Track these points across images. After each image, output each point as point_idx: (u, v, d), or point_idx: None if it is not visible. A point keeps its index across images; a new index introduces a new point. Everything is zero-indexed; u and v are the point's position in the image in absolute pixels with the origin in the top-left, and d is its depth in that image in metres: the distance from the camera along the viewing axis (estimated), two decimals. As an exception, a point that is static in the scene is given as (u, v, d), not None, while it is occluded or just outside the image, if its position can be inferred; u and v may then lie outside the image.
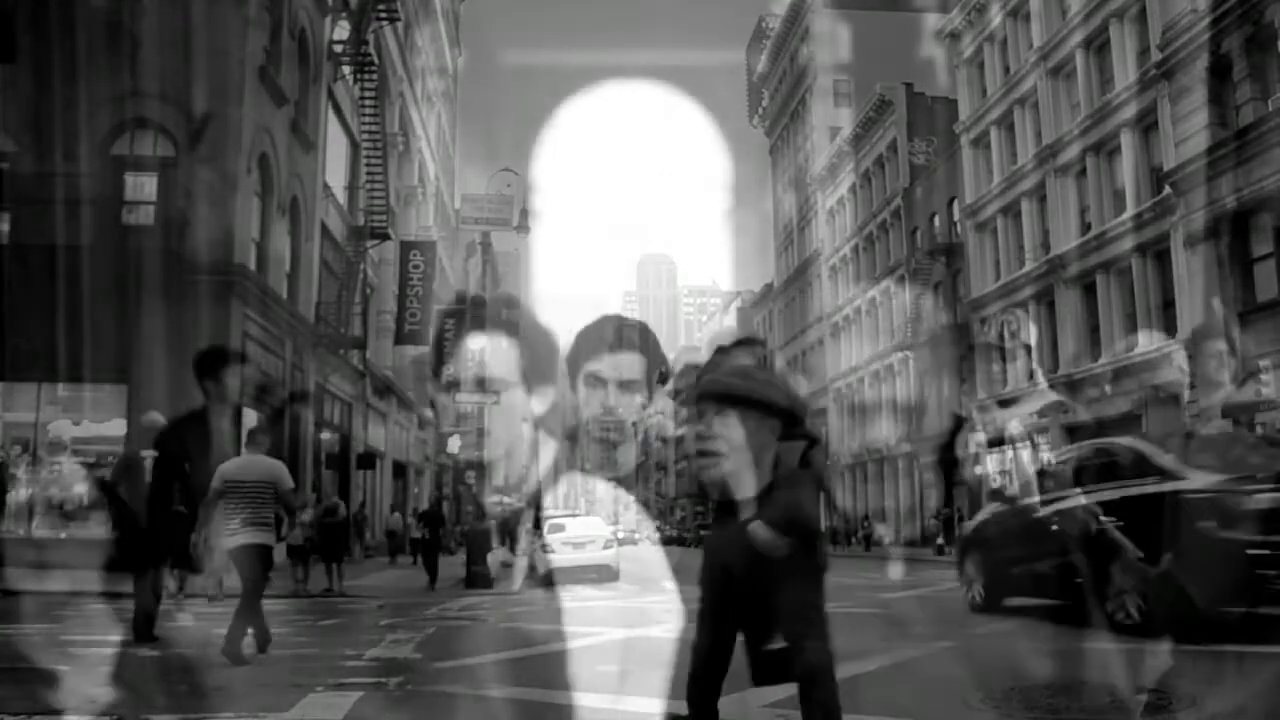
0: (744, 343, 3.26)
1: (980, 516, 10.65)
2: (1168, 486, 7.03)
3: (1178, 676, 5.10)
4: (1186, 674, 5.21)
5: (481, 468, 19.93)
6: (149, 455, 7.05)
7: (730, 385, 3.13)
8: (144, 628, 6.97)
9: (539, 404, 2.58)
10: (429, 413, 33.56)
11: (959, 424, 31.54)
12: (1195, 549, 6.62)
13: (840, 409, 45.56)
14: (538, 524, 17.72)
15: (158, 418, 8.04)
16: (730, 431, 3.09)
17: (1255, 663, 5.72)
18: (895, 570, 20.07)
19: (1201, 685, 4.86)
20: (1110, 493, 7.61)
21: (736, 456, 3.09)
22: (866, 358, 42.59)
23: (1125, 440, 8.73)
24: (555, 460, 2.81)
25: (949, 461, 32.08)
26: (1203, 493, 6.75)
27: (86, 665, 6.01)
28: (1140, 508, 7.19)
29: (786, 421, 3.15)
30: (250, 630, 6.67)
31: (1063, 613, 7.94)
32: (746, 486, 3.13)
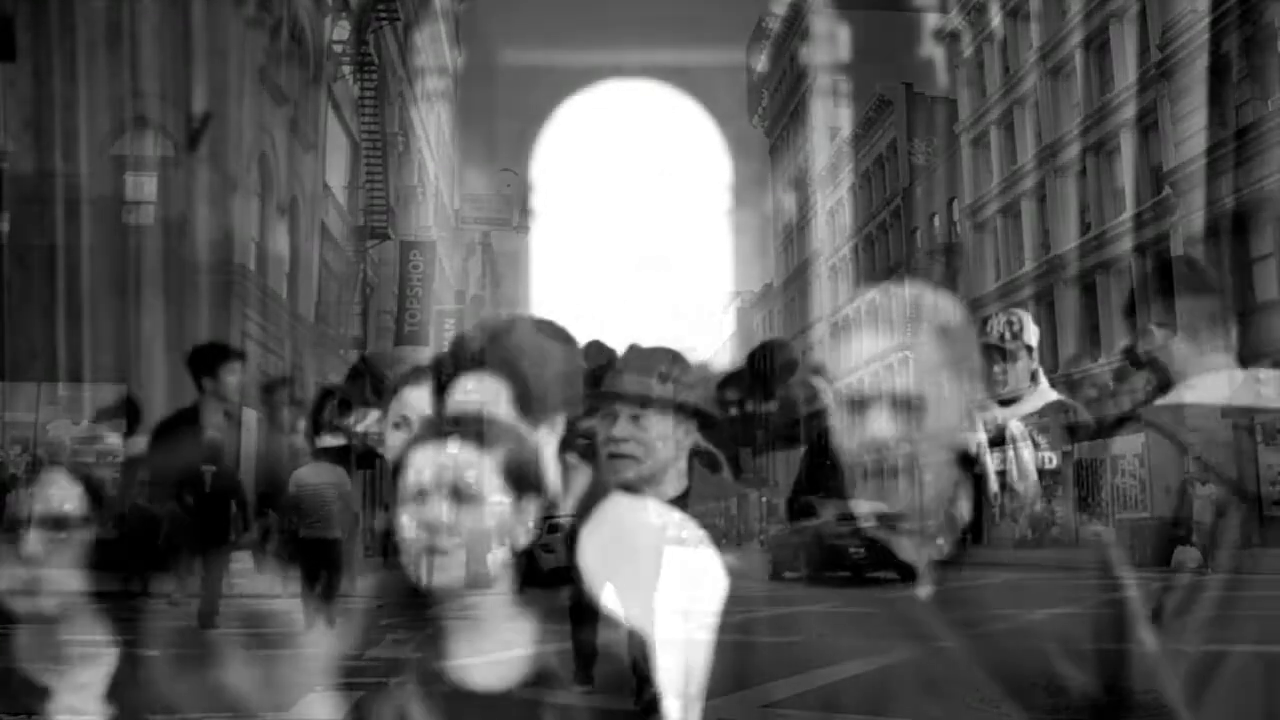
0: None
1: (772, 530, 18.19)
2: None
3: (1177, 676, 5.10)
4: (1186, 674, 5.21)
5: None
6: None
7: (647, 387, 3.00)
8: (208, 619, 6.99)
9: (548, 435, 2.39)
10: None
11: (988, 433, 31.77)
12: (817, 547, 13.32)
13: (840, 409, 45.55)
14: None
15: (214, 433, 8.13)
16: (645, 434, 2.96)
17: (1253, 662, 5.72)
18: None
19: (1201, 685, 4.86)
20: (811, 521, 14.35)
21: (651, 460, 2.96)
22: (866, 358, 42.57)
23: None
24: (589, 486, 2.69)
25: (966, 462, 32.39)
26: (822, 523, 13.28)
27: (89, 665, 6.00)
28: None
29: (702, 424, 3.06)
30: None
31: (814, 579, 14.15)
32: (660, 490, 3.07)
